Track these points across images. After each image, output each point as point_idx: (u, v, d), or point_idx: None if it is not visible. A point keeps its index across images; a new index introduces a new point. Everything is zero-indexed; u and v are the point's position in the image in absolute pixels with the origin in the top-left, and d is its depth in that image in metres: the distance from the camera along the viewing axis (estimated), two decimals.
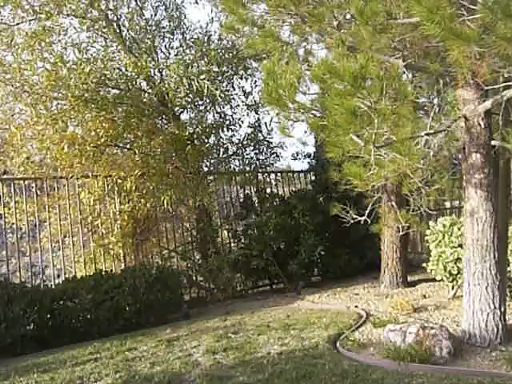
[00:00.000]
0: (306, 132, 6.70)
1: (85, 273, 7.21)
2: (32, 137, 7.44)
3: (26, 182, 7.34)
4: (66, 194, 7.52)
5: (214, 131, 8.76)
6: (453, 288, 6.33)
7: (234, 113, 9.05)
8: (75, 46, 7.52)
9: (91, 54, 7.58)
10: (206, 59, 7.87)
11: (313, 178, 9.72)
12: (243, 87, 8.97)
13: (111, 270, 7.12)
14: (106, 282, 6.29)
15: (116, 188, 7.71)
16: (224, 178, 9.18)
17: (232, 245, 8.83)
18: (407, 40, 4.25)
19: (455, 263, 6.07)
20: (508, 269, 5.09)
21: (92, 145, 7.39)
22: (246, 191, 9.40)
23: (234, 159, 9.26)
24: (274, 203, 8.86)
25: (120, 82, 7.59)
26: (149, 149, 8.05)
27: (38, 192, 7.39)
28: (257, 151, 9.26)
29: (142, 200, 7.79)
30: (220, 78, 8.18)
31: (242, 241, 8.60)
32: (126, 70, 7.51)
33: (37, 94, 7.08)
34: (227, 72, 8.43)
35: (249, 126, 9.19)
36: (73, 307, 6.01)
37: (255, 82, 9.03)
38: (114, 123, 7.58)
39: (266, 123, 9.21)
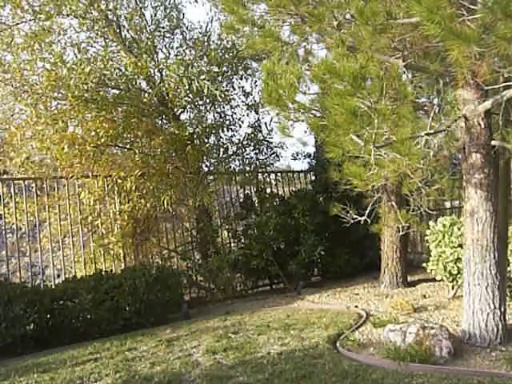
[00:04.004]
0: (306, 132, 6.72)
1: (85, 273, 7.22)
2: (32, 137, 7.43)
3: (26, 182, 7.34)
4: (66, 194, 7.52)
5: (214, 131, 8.75)
6: (453, 288, 6.33)
7: (234, 113, 9.06)
8: (75, 46, 7.52)
9: (91, 54, 7.57)
10: (206, 59, 7.87)
11: (313, 178, 9.73)
12: (243, 87, 8.98)
13: (111, 270, 7.12)
14: (106, 282, 6.28)
15: (116, 188, 7.71)
16: (224, 178, 9.17)
17: (232, 245, 8.82)
18: (407, 40, 4.25)
19: (455, 263, 6.08)
20: (508, 269, 5.09)
21: (92, 145, 7.39)
22: (246, 191, 9.40)
23: (234, 159, 9.26)
24: (274, 203, 8.86)
25: (120, 82, 7.58)
26: (149, 149, 8.05)
27: (38, 192, 7.39)
28: (257, 151, 9.26)
29: (142, 200, 7.79)
30: (220, 78, 8.17)
31: (242, 241, 8.60)
32: (126, 70, 7.50)
33: (37, 94, 7.08)
34: (227, 72, 8.42)
35: (249, 126, 9.20)
36: (73, 307, 6.01)
37: (255, 81, 9.04)
38: (114, 123, 7.58)
39: (266, 123, 9.23)
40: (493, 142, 4.41)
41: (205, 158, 8.83)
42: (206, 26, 8.39)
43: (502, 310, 4.46)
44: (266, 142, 9.25)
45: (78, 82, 6.92)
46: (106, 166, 7.64)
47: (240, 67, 8.61)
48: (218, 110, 8.86)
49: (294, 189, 9.61)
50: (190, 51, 8.24)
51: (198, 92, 7.65)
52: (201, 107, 8.75)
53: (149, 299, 6.33)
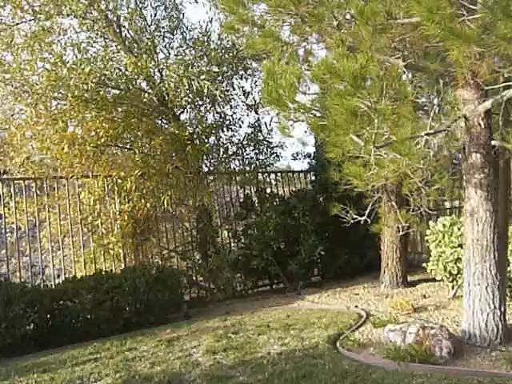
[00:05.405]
0: (306, 132, 6.71)
1: (85, 273, 7.21)
2: (32, 137, 7.44)
3: (26, 182, 7.33)
4: (66, 194, 7.52)
5: (214, 131, 8.75)
6: (453, 288, 6.33)
7: (234, 113, 9.06)
8: (75, 46, 7.51)
9: (91, 54, 7.57)
10: (206, 59, 7.87)
11: (313, 178, 9.72)
12: (243, 87, 8.98)
13: (111, 270, 7.12)
14: (106, 282, 6.29)
15: (116, 188, 7.71)
16: (224, 178, 9.18)
17: (232, 245, 8.82)
18: (407, 40, 4.26)
19: (455, 263, 6.08)
20: (508, 269, 5.09)
21: (92, 145, 7.39)
22: (246, 191, 9.40)
23: (234, 159, 9.26)
24: (274, 203, 8.85)
25: (120, 82, 7.57)
26: (149, 149, 8.06)
27: (38, 192, 7.38)
28: (257, 151, 9.25)
29: (142, 200, 7.79)
30: (220, 78, 8.17)
31: (242, 241, 8.60)
32: (126, 70, 7.50)
33: (37, 94, 7.07)
34: (227, 72, 8.42)
35: (249, 126, 9.19)
36: (73, 307, 6.01)
37: (255, 82, 9.03)
38: (114, 123, 7.58)
39: (265, 123, 9.23)
40: (493, 142, 4.41)
41: (205, 157, 8.83)
42: (206, 26, 8.39)
43: (502, 310, 4.46)
44: (266, 142, 9.24)
45: (77, 82, 6.92)
46: (106, 166, 7.64)
47: (240, 67, 8.61)
48: (218, 109, 8.86)
49: (294, 189, 9.61)
50: (190, 51, 8.24)
51: (198, 92, 7.65)
52: (201, 107, 8.75)
53: (149, 299, 6.33)
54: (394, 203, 6.68)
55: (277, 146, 9.37)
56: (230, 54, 8.24)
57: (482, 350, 4.32)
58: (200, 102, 8.58)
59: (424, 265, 6.68)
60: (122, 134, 7.80)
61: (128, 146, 8.18)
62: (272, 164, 9.54)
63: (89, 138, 7.39)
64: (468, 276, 4.56)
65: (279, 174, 10.08)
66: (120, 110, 7.75)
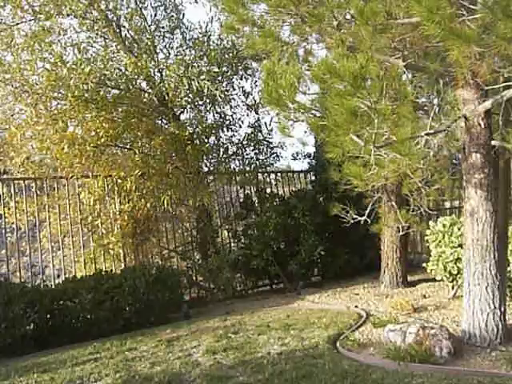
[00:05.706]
0: (305, 132, 6.70)
1: (85, 273, 7.21)
2: (32, 137, 7.43)
3: (26, 182, 7.33)
4: (66, 194, 7.52)
5: (214, 131, 8.75)
6: (453, 288, 6.34)
7: (234, 113, 9.05)
8: (75, 46, 7.52)
9: (91, 54, 7.57)
10: (205, 59, 7.87)
11: (313, 178, 9.73)
12: (243, 87, 8.97)
13: (111, 270, 7.12)
14: (106, 282, 6.28)
15: (116, 188, 7.71)
16: (224, 178, 9.18)
17: (232, 245, 8.83)
18: (407, 40, 4.26)
19: (455, 263, 6.08)
20: (508, 269, 5.09)
21: (92, 145, 7.39)
22: (246, 191, 9.40)
23: (234, 159, 9.26)
24: (274, 203, 8.85)
25: (120, 82, 7.57)
26: (149, 149, 8.06)
27: (38, 192, 7.38)
28: (257, 151, 9.25)
29: (142, 200, 7.79)
30: (220, 78, 8.16)
31: (242, 241, 8.60)
32: (126, 70, 7.50)
33: (37, 94, 7.07)
34: (227, 72, 8.42)
35: (249, 126, 9.19)
36: (73, 307, 6.01)
37: (255, 82, 9.03)
38: (114, 123, 7.58)
39: (265, 123, 9.23)
40: (493, 142, 4.42)
41: (205, 157, 8.83)
42: (206, 26, 8.39)
43: (502, 310, 4.46)
44: (266, 142, 9.24)
45: (77, 82, 6.92)
46: (106, 166, 7.64)
47: (240, 67, 8.60)
48: (218, 110, 8.86)
49: (294, 189, 9.61)
50: (190, 51, 8.23)
51: (198, 92, 7.65)
52: (201, 107, 8.75)
53: (149, 299, 6.33)
54: (393, 203, 6.68)
55: (277, 146, 9.38)
56: (230, 54, 8.24)
57: (482, 349, 4.32)
58: (200, 102, 8.57)
59: (424, 265, 6.68)
60: (122, 134, 7.80)
61: (128, 146, 8.18)
62: (272, 164, 9.54)
63: (89, 138, 7.39)
64: (468, 276, 4.56)
65: (279, 174, 10.09)
66: (120, 110, 7.75)
